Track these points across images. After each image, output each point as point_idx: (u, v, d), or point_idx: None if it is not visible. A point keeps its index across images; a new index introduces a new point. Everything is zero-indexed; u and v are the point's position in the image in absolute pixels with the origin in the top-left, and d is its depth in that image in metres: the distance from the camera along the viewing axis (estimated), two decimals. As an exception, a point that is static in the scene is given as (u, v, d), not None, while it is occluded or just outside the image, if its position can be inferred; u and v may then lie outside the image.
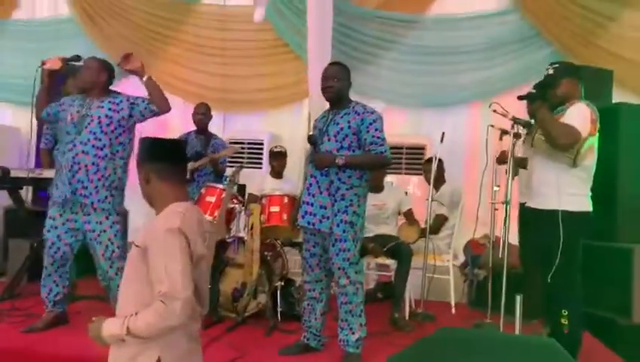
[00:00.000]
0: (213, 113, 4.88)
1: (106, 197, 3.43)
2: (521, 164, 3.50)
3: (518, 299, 2.93)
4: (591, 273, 3.90)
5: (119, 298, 1.95)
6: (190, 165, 4.53)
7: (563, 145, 3.02)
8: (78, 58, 3.69)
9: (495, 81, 5.36)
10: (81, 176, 3.37)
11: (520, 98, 3.31)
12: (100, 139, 3.41)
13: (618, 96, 4.65)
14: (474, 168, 3.86)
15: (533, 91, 3.14)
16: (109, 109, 3.46)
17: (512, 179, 3.40)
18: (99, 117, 3.43)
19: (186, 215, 1.90)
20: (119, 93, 3.59)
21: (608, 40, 5.08)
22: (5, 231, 5.17)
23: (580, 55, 5.07)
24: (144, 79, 3.46)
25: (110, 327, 1.81)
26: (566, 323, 2.96)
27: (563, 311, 2.98)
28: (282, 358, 3.16)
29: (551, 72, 3.20)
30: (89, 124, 3.41)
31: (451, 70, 5.55)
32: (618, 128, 4.02)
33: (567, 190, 3.06)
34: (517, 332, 2.98)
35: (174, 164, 2.03)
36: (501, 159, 3.67)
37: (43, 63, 3.58)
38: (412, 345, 2.02)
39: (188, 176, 4.53)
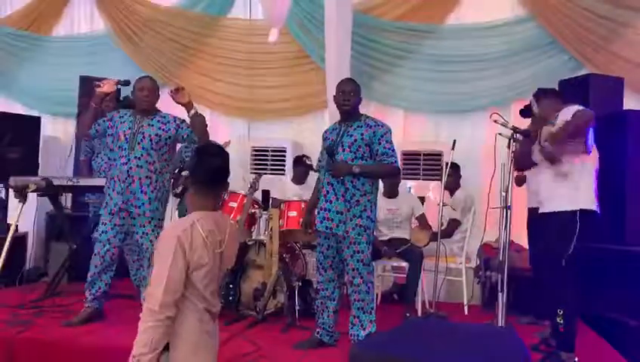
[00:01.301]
0: (238, 121, 5.13)
1: (157, 208, 3.74)
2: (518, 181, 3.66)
3: (500, 296, 3.10)
4: (600, 276, 4.02)
5: None
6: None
7: (585, 124, 3.20)
8: (128, 83, 3.96)
9: (511, 89, 5.44)
10: (134, 188, 3.66)
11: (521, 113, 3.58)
12: (150, 155, 3.69)
13: (632, 103, 4.72)
14: (491, 174, 4.01)
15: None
16: (159, 128, 3.72)
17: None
18: (150, 135, 3.70)
19: (195, 225, 2.11)
20: (166, 113, 3.85)
21: (623, 46, 5.10)
22: (47, 235, 5.55)
23: (595, 62, 5.14)
24: (191, 113, 3.69)
25: None
26: (562, 321, 3.11)
27: (559, 309, 3.12)
28: (294, 352, 3.33)
29: (532, 99, 3.52)
30: (141, 140, 3.68)
31: (469, 78, 5.63)
32: (626, 134, 4.13)
33: (567, 194, 3.22)
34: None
35: (211, 174, 2.24)
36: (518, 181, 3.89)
37: (98, 85, 3.82)
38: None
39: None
